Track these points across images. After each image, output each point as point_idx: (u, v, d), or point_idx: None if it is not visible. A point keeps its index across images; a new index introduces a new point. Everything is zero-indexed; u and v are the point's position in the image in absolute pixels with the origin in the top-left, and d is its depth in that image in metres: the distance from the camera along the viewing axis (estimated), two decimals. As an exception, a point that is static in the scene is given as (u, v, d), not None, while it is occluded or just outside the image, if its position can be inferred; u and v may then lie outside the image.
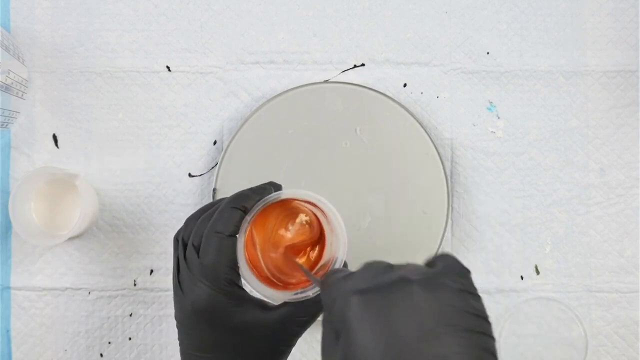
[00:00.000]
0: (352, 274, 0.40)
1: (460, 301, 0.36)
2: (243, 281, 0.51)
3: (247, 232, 0.50)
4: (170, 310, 0.72)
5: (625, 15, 0.74)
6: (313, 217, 0.53)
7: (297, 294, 0.50)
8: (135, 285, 0.73)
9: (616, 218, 0.73)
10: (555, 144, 0.73)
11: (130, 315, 0.72)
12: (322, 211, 0.51)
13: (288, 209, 0.53)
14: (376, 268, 0.39)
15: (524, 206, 0.73)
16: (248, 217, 0.50)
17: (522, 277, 0.72)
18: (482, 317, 0.36)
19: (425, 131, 0.71)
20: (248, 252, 0.51)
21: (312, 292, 0.49)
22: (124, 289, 0.73)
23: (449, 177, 0.72)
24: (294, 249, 0.53)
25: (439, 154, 0.71)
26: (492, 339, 0.36)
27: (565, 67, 0.73)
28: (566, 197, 0.73)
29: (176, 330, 0.76)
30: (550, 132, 0.73)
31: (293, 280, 0.52)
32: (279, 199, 0.51)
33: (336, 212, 0.50)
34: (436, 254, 0.41)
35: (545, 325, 0.72)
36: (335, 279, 0.40)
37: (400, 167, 0.72)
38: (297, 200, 0.52)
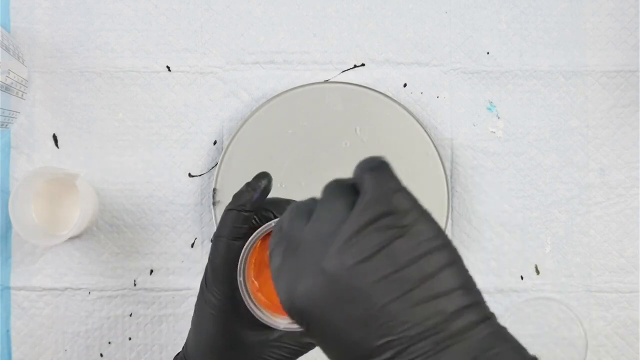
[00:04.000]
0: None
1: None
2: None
3: (250, 256, 0.49)
4: (170, 310, 0.72)
5: (625, 15, 0.74)
6: None
7: (290, 323, 0.48)
8: (135, 285, 0.73)
9: (616, 218, 0.73)
10: (555, 144, 0.73)
11: (130, 315, 0.72)
12: None
13: None
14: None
15: (524, 206, 0.73)
16: (249, 244, 0.49)
17: (522, 277, 0.72)
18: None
19: (425, 131, 0.71)
20: (253, 275, 0.51)
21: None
22: (124, 289, 0.73)
23: (449, 177, 0.72)
24: None
25: (439, 154, 0.71)
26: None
27: (565, 67, 0.73)
28: (566, 197, 0.73)
29: (176, 330, 0.76)
30: (550, 132, 0.73)
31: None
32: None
33: None
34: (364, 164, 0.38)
35: (545, 325, 0.72)
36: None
37: (400, 167, 0.71)
38: None
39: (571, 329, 0.72)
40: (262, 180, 0.51)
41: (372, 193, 0.35)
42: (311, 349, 0.51)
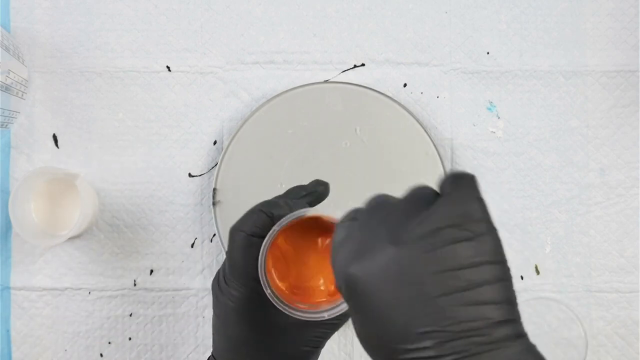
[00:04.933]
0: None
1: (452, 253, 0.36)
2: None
3: (271, 245, 0.49)
4: (170, 310, 0.72)
5: (625, 15, 0.74)
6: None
7: (309, 313, 0.48)
8: (135, 285, 0.73)
9: (616, 218, 0.73)
10: (555, 144, 0.73)
11: (130, 315, 0.72)
12: None
13: (313, 226, 0.52)
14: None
15: (524, 206, 0.73)
16: (275, 229, 0.48)
17: (522, 277, 0.72)
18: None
19: (425, 131, 0.71)
20: (272, 264, 0.51)
21: (327, 313, 0.48)
22: (124, 289, 0.73)
23: (449, 177, 0.72)
24: (320, 266, 0.52)
25: (439, 154, 0.71)
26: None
27: (565, 67, 0.73)
28: (566, 197, 0.73)
29: (176, 330, 0.76)
30: (550, 132, 0.73)
31: (315, 298, 0.51)
32: (305, 216, 0.49)
33: None
34: (447, 174, 0.41)
35: (545, 325, 0.72)
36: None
37: (400, 167, 0.72)
38: (323, 218, 0.51)
39: (571, 329, 0.72)
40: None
41: (454, 196, 0.38)
42: (347, 320, 0.51)
